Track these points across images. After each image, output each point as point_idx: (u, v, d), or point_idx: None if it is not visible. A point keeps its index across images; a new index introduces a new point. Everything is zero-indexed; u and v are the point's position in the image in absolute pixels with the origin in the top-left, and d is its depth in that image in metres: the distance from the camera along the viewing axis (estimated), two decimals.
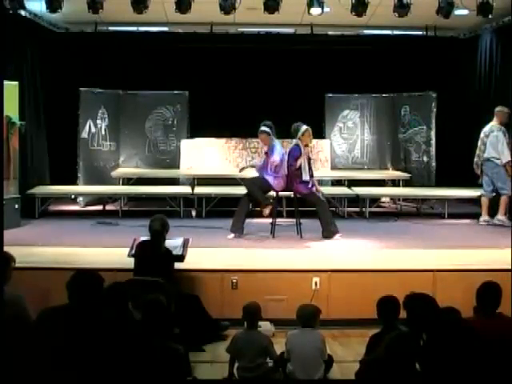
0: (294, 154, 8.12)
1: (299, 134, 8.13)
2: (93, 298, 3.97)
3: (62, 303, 4.02)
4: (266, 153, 8.24)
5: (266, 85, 11.60)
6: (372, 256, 7.03)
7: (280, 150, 8.16)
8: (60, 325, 3.81)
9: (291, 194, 8.42)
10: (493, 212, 9.38)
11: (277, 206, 8.55)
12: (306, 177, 8.11)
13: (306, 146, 8.17)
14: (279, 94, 11.53)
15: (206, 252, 6.99)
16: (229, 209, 9.39)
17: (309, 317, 4.94)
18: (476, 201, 10.55)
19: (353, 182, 10.89)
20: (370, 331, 4.69)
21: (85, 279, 4.04)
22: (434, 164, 11.11)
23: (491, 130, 9.36)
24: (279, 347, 5.01)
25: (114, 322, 3.98)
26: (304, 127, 8.16)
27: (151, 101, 11.60)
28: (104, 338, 3.82)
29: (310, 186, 8.20)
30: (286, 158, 8.15)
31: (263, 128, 8.13)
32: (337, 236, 8.09)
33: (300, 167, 8.07)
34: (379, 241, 8.01)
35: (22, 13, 9.80)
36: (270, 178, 8.17)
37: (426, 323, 4.00)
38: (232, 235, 8.09)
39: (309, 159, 8.27)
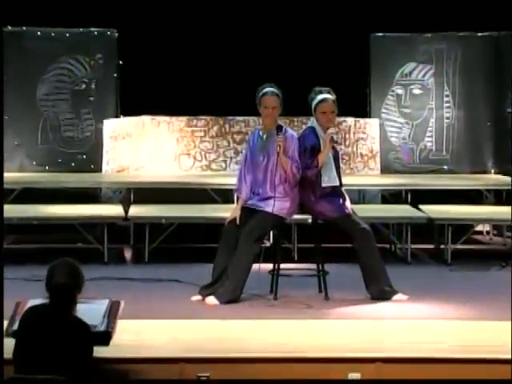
0: (308, 145, 8.24)
1: (312, 108, 8.30)
2: None
3: None
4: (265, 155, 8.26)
5: (261, 21, 11.67)
6: (454, 334, 7.07)
7: (295, 136, 8.33)
8: None
9: (308, 217, 8.57)
10: None
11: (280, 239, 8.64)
12: (329, 180, 8.24)
13: (327, 129, 8.28)
14: (285, 38, 11.62)
15: (152, 326, 7.02)
16: (191, 245, 9.43)
17: None
18: None
19: (421, 196, 11.04)
20: None
21: None
22: None
23: None
24: None
25: None
26: (320, 97, 8.29)
27: (50, 46, 11.71)
28: None
29: (340, 202, 8.32)
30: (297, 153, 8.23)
31: (274, 89, 8.23)
32: (397, 297, 8.22)
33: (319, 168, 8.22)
34: (469, 306, 8.09)
35: None
36: (278, 206, 8.15)
37: None
38: (199, 297, 8.19)
39: (335, 153, 8.41)
